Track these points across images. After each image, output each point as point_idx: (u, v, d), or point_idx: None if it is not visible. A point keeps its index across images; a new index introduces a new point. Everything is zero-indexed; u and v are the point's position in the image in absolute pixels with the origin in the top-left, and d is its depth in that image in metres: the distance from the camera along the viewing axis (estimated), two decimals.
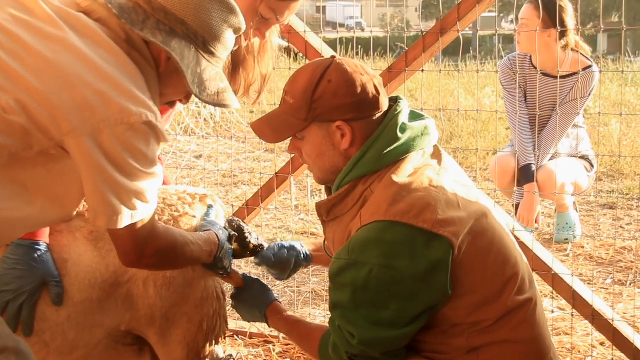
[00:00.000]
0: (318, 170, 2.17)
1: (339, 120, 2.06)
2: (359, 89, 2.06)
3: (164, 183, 2.60)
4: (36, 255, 2.12)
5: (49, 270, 2.13)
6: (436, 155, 2.16)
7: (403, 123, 2.09)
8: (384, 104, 2.12)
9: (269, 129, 2.15)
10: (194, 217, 2.34)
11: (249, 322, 2.53)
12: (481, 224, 2.02)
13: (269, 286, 2.47)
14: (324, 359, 2.15)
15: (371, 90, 2.08)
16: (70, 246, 2.20)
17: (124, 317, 2.24)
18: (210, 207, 2.40)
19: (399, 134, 2.06)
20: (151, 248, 1.92)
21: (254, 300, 2.39)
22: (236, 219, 2.46)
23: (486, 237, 2.02)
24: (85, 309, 2.18)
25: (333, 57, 2.14)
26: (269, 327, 2.41)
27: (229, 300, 2.47)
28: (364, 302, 1.96)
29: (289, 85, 2.13)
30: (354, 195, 2.08)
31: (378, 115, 2.10)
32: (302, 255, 2.57)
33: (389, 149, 2.05)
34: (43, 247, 2.14)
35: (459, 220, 1.97)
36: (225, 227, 2.38)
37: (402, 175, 2.03)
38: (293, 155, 3.46)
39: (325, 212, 2.16)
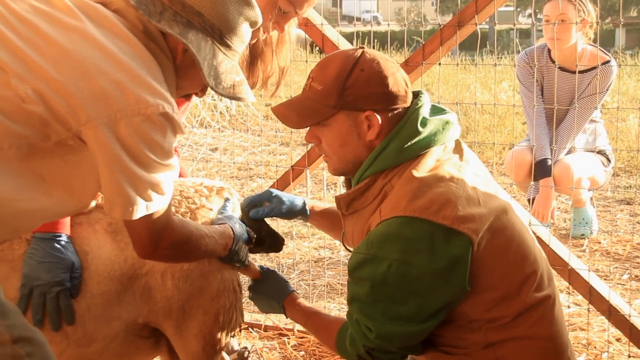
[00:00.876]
0: (338, 160, 2.14)
1: (369, 110, 2.04)
2: (391, 81, 2.05)
3: (181, 175, 2.61)
4: (60, 246, 2.13)
5: (73, 261, 2.15)
6: (457, 149, 2.14)
7: (424, 117, 2.07)
8: (410, 99, 2.11)
9: (294, 113, 2.12)
10: (211, 209, 2.34)
11: (266, 313, 2.52)
12: (501, 220, 2.01)
13: (285, 278, 2.47)
14: (341, 351, 2.14)
15: (401, 83, 2.07)
16: (90, 238, 2.22)
17: (141, 310, 2.25)
18: (227, 200, 2.40)
19: (420, 128, 2.05)
20: (166, 240, 1.92)
21: (272, 291, 2.38)
22: (256, 215, 2.43)
23: (506, 234, 2.01)
24: (104, 301, 2.19)
25: (362, 47, 2.12)
26: (287, 317, 2.40)
27: (245, 293, 2.48)
28: (382, 296, 1.95)
29: (317, 72, 2.11)
30: (374, 190, 2.07)
31: (403, 107, 2.08)
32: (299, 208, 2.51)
33: (410, 143, 2.04)
34: (65, 238, 2.16)
35: (479, 216, 1.95)
36: (242, 220, 2.37)
37: (422, 170, 2.01)
38: (309, 148, 3.47)
39: (345, 205, 2.15)
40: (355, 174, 2.14)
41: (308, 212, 2.49)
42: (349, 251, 2.31)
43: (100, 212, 2.24)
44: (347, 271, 2.06)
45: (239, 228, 2.28)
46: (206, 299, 2.29)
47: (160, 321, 2.29)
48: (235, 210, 2.43)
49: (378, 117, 2.04)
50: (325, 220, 2.53)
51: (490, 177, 2.18)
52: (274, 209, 2.42)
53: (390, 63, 2.09)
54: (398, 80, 2.06)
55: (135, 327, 2.27)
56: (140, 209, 1.78)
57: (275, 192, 2.47)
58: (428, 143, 2.05)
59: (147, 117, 1.71)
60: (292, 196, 2.49)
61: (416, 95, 2.14)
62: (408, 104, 2.09)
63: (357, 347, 2.04)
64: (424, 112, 2.08)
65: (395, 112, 2.07)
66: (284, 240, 2.49)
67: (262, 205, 2.44)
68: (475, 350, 2.01)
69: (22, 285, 2.11)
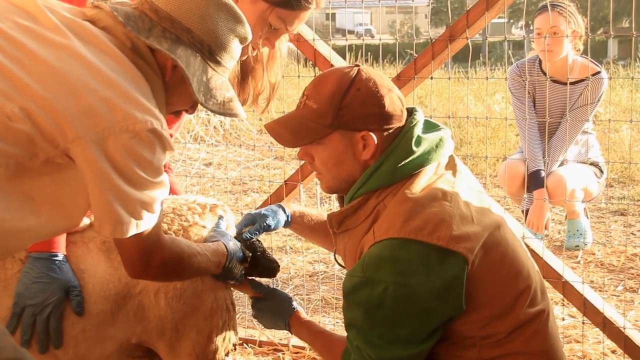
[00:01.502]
0: (332, 178, 2.13)
1: (364, 130, 2.03)
2: (387, 100, 2.04)
3: (173, 192, 2.60)
4: (56, 267, 2.12)
5: (70, 279, 2.13)
6: (451, 165, 2.13)
7: (418, 136, 2.06)
8: (405, 118, 2.10)
9: (288, 132, 2.10)
10: (204, 227, 2.33)
11: (270, 329, 2.50)
12: (494, 237, 2.00)
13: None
14: None
15: (397, 102, 2.07)
16: (85, 257, 2.20)
17: (134, 330, 2.24)
18: (220, 217, 2.39)
19: (414, 148, 2.04)
20: (157, 258, 1.91)
21: (276, 309, 2.36)
22: (249, 235, 2.42)
23: (499, 250, 2.00)
24: (99, 321, 2.18)
25: (357, 65, 2.10)
26: (292, 334, 2.39)
27: (238, 309, 2.46)
28: (379, 320, 1.94)
29: (312, 89, 2.09)
30: (367, 209, 2.06)
31: (399, 129, 2.08)
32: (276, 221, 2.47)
33: (403, 163, 2.03)
34: (61, 257, 2.14)
35: (473, 235, 1.94)
36: (237, 238, 2.36)
37: (415, 189, 2.00)
38: (302, 162, 3.47)
39: (337, 223, 2.14)
40: (348, 192, 2.13)
41: (289, 219, 2.47)
42: (342, 266, 2.30)
43: (93, 231, 2.24)
44: (342, 292, 2.04)
45: (233, 245, 2.26)
46: (199, 318, 2.28)
47: (154, 341, 2.27)
48: (229, 228, 2.42)
49: (374, 136, 2.04)
50: (306, 228, 2.51)
51: (482, 190, 2.18)
52: (262, 227, 2.40)
53: (386, 82, 2.08)
54: (394, 99, 2.06)
55: (129, 347, 2.26)
56: (131, 228, 1.77)
57: (254, 213, 2.45)
58: (422, 162, 2.05)
59: (136, 134, 1.70)
60: (272, 208, 2.46)
61: (410, 112, 2.13)
62: (403, 122, 2.08)
63: None
64: (418, 130, 2.08)
65: (391, 131, 2.06)
66: (279, 266, 2.46)
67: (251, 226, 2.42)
68: None
69: (14, 304, 2.09)
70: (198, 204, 2.39)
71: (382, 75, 2.11)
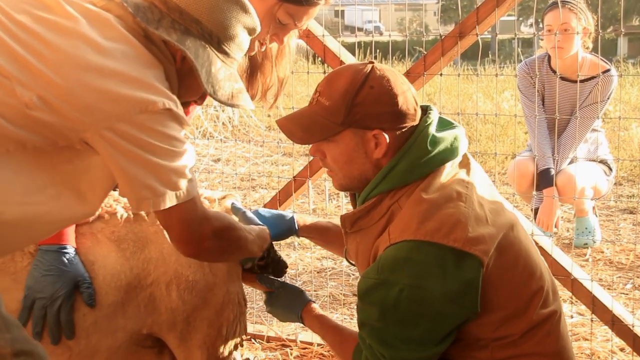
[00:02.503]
0: (343, 176, 2.11)
1: (377, 129, 2.01)
2: (401, 99, 2.01)
3: None
4: (65, 259, 2.13)
5: (79, 272, 2.14)
6: (464, 163, 2.11)
7: (434, 135, 2.03)
8: (419, 116, 2.07)
9: (300, 129, 2.08)
10: None
11: (284, 322, 2.51)
12: (508, 237, 1.99)
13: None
14: None
15: (411, 101, 2.04)
16: (94, 248, 2.21)
17: (145, 321, 2.24)
18: (234, 205, 2.41)
19: (429, 148, 2.01)
20: (208, 229, 1.90)
21: (290, 302, 2.36)
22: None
23: (512, 252, 1.99)
24: (110, 312, 2.19)
25: (371, 62, 2.07)
26: (305, 326, 2.38)
27: (250, 305, 2.47)
28: (394, 321, 1.93)
29: (325, 86, 2.06)
30: (381, 209, 2.05)
31: (413, 127, 2.05)
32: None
33: (419, 163, 2.01)
34: (71, 250, 2.15)
35: (488, 236, 1.93)
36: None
37: (431, 190, 1.98)
38: (311, 159, 3.47)
39: (350, 224, 2.13)
40: (360, 190, 2.11)
41: (297, 228, 2.48)
42: (351, 263, 2.29)
43: (102, 222, 2.24)
44: (356, 291, 2.03)
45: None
46: (211, 311, 2.29)
47: (164, 332, 2.28)
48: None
49: (386, 135, 2.01)
50: (318, 235, 2.53)
51: (494, 188, 2.16)
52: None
53: (400, 79, 2.05)
54: (408, 98, 2.03)
55: (139, 338, 2.27)
56: (170, 198, 1.78)
57: (264, 216, 2.45)
58: (437, 162, 2.02)
59: (152, 114, 1.72)
60: (278, 217, 2.46)
61: (424, 110, 2.10)
62: (417, 121, 2.06)
63: None
64: (433, 129, 2.05)
65: (404, 130, 2.04)
66: (287, 265, 2.48)
67: None
68: None
69: (24, 297, 2.10)
70: (206, 198, 2.40)
71: (396, 73, 2.08)
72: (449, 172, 2.04)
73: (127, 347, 2.25)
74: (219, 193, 2.46)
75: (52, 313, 2.10)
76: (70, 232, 2.17)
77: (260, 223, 2.35)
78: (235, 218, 2.32)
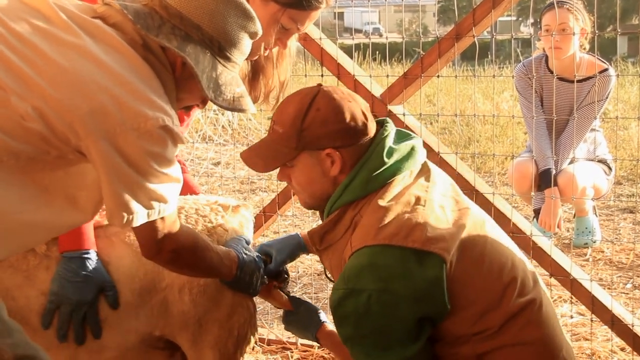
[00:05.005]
0: (308, 196, 2.20)
1: (329, 148, 2.09)
2: (347, 116, 2.09)
3: (193, 191, 2.63)
4: (89, 265, 2.17)
5: (104, 277, 2.18)
6: (424, 171, 2.18)
7: (390, 147, 2.12)
8: (372, 129, 2.15)
9: (259, 158, 2.18)
10: (226, 230, 2.37)
11: (301, 338, 2.55)
12: (471, 235, 2.04)
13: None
14: None
15: (359, 116, 2.11)
16: (108, 249, 2.23)
17: (157, 324, 2.26)
18: (246, 219, 2.45)
19: (386, 159, 2.09)
20: (170, 244, 1.94)
21: (305, 323, 2.40)
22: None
23: (477, 248, 2.04)
24: (122, 314, 2.21)
25: (319, 85, 2.16)
26: (320, 346, 2.41)
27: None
28: (369, 329, 1.98)
29: (277, 114, 2.16)
30: (345, 221, 2.11)
31: (366, 139, 2.13)
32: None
33: (376, 173, 2.08)
34: (93, 255, 2.19)
35: (448, 235, 1.99)
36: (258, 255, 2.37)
37: (388, 197, 2.05)
38: None
39: (319, 240, 2.18)
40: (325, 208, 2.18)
41: (304, 243, 2.48)
42: (332, 281, 2.31)
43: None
44: (330, 309, 2.07)
45: (247, 257, 2.27)
46: (222, 313, 2.31)
47: (176, 334, 2.30)
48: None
49: (339, 153, 2.09)
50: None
51: (459, 191, 2.21)
52: (280, 261, 2.43)
53: (347, 97, 2.13)
54: (355, 114, 2.10)
55: (151, 340, 2.29)
56: (141, 217, 1.80)
57: (269, 244, 2.47)
58: (394, 171, 2.10)
59: (147, 131, 1.72)
60: (282, 241, 2.48)
61: (381, 124, 2.18)
62: (370, 134, 2.13)
63: None
64: (390, 141, 2.13)
65: (358, 144, 2.11)
66: (289, 275, 2.51)
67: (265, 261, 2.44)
68: None
69: (49, 302, 2.15)
70: (220, 205, 2.42)
71: (344, 92, 2.16)
72: (407, 180, 2.11)
73: (138, 348, 2.27)
74: (233, 201, 2.48)
75: (79, 318, 2.15)
76: (90, 234, 2.20)
77: (252, 252, 2.34)
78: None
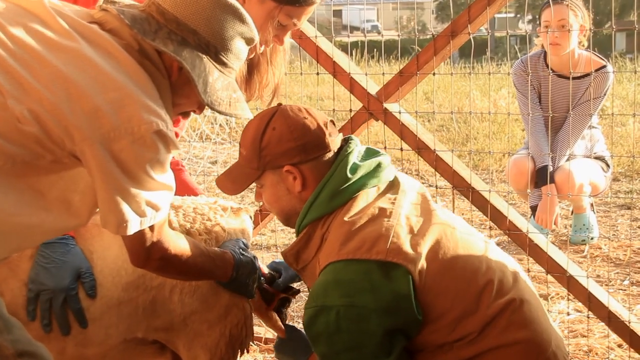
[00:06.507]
0: (278, 214, 2.24)
1: (287, 165, 2.12)
2: (302, 132, 2.13)
3: (191, 190, 2.64)
4: (65, 250, 2.16)
5: (80, 262, 2.17)
6: (393, 186, 2.19)
7: (354, 163, 2.13)
8: (333, 144, 2.17)
9: (229, 181, 2.23)
10: (226, 229, 2.36)
11: None
12: (440, 243, 2.04)
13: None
14: None
15: (316, 132, 2.14)
16: (95, 239, 2.22)
17: (140, 325, 2.25)
18: (246, 222, 2.46)
19: (349, 175, 2.11)
20: (158, 252, 1.94)
21: (295, 351, 2.40)
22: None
23: (447, 255, 2.04)
24: (103, 306, 2.19)
25: (279, 104, 2.20)
26: None
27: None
28: (341, 346, 1.98)
29: (241, 137, 2.22)
30: (316, 240, 2.13)
31: (328, 155, 2.15)
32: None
33: (340, 189, 2.10)
34: (70, 240, 2.18)
35: (414, 245, 2.00)
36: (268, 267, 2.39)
37: (352, 212, 2.07)
38: None
39: (294, 260, 2.19)
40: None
41: None
42: None
43: None
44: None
45: (244, 258, 2.28)
46: (213, 314, 2.30)
47: (160, 335, 2.29)
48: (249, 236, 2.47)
49: (297, 169, 2.12)
50: None
51: (429, 199, 2.21)
52: (288, 278, 2.46)
53: (304, 114, 2.16)
54: (311, 130, 2.13)
55: (135, 339, 2.27)
56: (134, 225, 1.80)
57: (278, 262, 2.50)
58: (359, 187, 2.12)
59: (141, 135, 1.73)
60: None
61: (346, 141, 2.21)
62: (331, 149, 2.16)
63: None
64: (354, 158, 2.15)
65: (320, 159, 2.14)
66: (298, 291, 2.53)
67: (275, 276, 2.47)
68: None
69: (28, 290, 2.14)
70: (219, 206, 2.42)
71: (303, 109, 2.19)
72: (373, 195, 2.13)
73: (124, 345, 2.25)
74: (234, 204, 2.48)
75: (58, 305, 2.13)
76: None
77: (249, 254, 2.34)
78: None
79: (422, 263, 1.98)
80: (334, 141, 2.18)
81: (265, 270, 2.45)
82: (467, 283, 2.02)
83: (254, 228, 3.64)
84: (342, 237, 2.02)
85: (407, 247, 1.98)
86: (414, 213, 2.10)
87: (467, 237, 2.13)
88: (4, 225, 1.71)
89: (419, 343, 2.01)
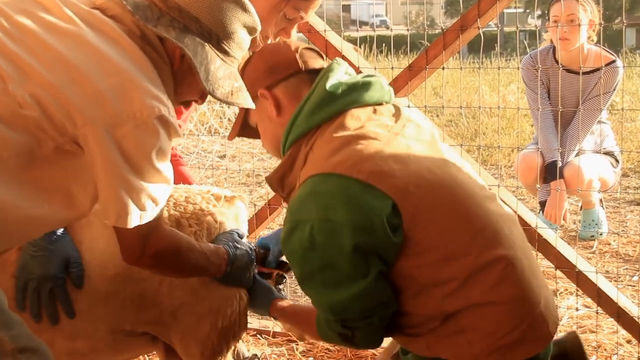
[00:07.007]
0: (270, 149, 2.20)
1: (260, 89, 2.10)
2: (271, 54, 2.13)
3: (188, 182, 2.62)
4: (53, 239, 2.12)
5: (68, 251, 2.13)
6: (395, 113, 2.08)
7: (338, 81, 2.04)
8: (306, 64, 2.12)
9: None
10: (218, 219, 2.33)
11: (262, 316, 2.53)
12: (438, 176, 1.93)
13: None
14: (326, 339, 2.09)
15: (285, 51, 2.13)
16: (84, 228, 2.18)
17: (127, 318, 2.22)
18: (240, 210, 2.42)
19: (329, 89, 2.01)
20: (152, 248, 1.92)
21: (258, 303, 2.37)
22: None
23: (444, 190, 1.92)
24: (89, 298, 2.15)
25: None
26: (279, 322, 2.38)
27: None
28: (316, 265, 1.89)
29: None
30: (300, 161, 2.03)
31: (302, 76, 2.10)
32: None
33: (321, 104, 2.01)
34: (59, 230, 2.14)
35: (402, 173, 1.89)
36: (253, 248, 2.35)
37: (342, 130, 1.97)
38: None
39: (279, 186, 2.11)
40: None
41: None
42: None
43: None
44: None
45: (239, 251, 2.26)
46: (204, 307, 2.27)
47: (150, 327, 2.27)
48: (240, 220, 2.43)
49: (270, 92, 2.10)
50: None
51: (437, 140, 2.10)
52: (277, 252, 2.42)
53: (279, 42, 2.20)
54: (281, 51, 2.14)
55: (123, 331, 2.25)
56: (134, 218, 1.79)
57: (266, 237, 2.46)
58: (346, 103, 2.02)
59: (143, 121, 1.72)
60: (278, 233, 2.45)
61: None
62: (303, 68, 2.11)
63: (332, 327, 1.99)
64: (337, 76, 2.06)
65: (289, 79, 2.11)
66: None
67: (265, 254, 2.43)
68: (438, 326, 1.92)
69: (17, 279, 2.11)
70: (212, 194, 2.39)
71: (280, 41, 2.22)
72: (367, 115, 2.03)
73: (112, 337, 2.22)
74: (227, 192, 2.45)
75: (45, 293, 2.10)
76: None
77: (244, 245, 2.31)
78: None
79: (412, 191, 1.87)
80: (309, 62, 2.12)
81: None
82: (459, 223, 1.91)
83: (262, 223, 3.66)
84: (328, 152, 1.92)
85: (392, 173, 1.87)
86: (417, 146, 1.99)
87: (469, 180, 2.02)
88: (8, 217, 1.70)
89: (403, 278, 1.91)
